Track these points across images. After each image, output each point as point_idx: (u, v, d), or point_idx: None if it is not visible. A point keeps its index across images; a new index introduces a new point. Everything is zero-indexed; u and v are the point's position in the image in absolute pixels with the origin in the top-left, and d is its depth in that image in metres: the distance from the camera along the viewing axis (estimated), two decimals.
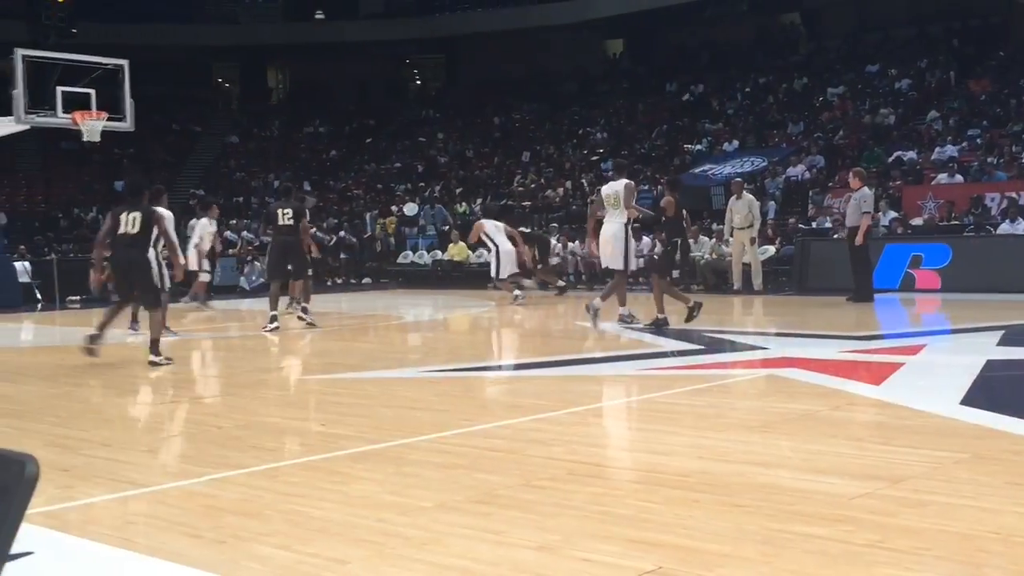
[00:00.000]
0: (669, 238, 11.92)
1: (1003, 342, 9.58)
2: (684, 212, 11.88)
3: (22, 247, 22.46)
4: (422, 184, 30.59)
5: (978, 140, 22.35)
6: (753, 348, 9.54)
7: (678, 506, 3.89)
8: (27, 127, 17.33)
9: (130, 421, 6.26)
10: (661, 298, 11.43)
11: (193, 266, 15.53)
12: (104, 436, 5.69)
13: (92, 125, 16.82)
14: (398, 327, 14.00)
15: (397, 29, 38.38)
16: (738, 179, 18.96)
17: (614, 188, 11.76)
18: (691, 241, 15.13)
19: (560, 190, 26.90)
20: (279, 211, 12.78)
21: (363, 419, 6.11)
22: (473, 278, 22.95)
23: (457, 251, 23.62)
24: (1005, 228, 17.11)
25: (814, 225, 20.37)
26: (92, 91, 16.91)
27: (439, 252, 24.49)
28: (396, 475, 4.52)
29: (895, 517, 3.70)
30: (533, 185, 27.90)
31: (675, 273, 13.69)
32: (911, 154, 22.47)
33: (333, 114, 38.51)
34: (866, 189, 15.29)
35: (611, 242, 11.66)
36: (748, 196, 17.73)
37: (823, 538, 3.43)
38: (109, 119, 17.08)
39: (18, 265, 18.38)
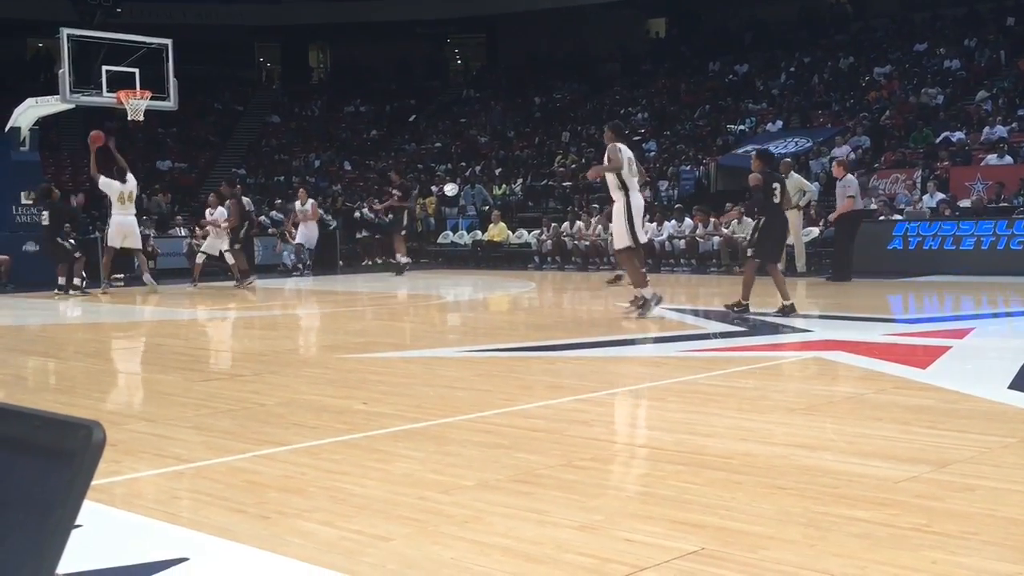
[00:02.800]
0: (757, 216, 10.84)
1: None
2: (775, 186, 10.47)
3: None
4: (462, 164, 30.59)
5: None
6: (797, 331, 9.46)
7: (721, 488, 3.86)
8: (72, 106, 17.52)
9: (174, 397, 6.32)
10: (782, 283, 10.40)
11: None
12: (148, 412, 5.76)
13: (136, 104, 16.97)
14: (438, 307, 14.03)
15: (438, 8, 38.32)
16: (787, 160, 18.79)
17: (630, 154, 10.64)
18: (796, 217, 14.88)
19: None
20: None
21: (404, 398, 6.13)
22: (513, 258, 22.96)
23: (497, 232, 23.64)
24: None
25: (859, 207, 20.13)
26: (136, 70, 17.06)
27: (479, 232, 24.52)
28: (437, 454, 4.53)
29: (942, 501, 3.65)
30: (574, 165, 27.81)
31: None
32: (959, 134, 22.12)
33: (374, 94, 38.57)
34: (851, 176, 16.28)
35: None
36: (796, 176, 17.59)
37: (868, 521, 3.39)
38: (153, 98, 17.23)
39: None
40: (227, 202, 17.54)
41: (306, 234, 19.90)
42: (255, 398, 6.20)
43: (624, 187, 10.27)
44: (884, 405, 5.61)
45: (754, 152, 12.58)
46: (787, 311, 10.20)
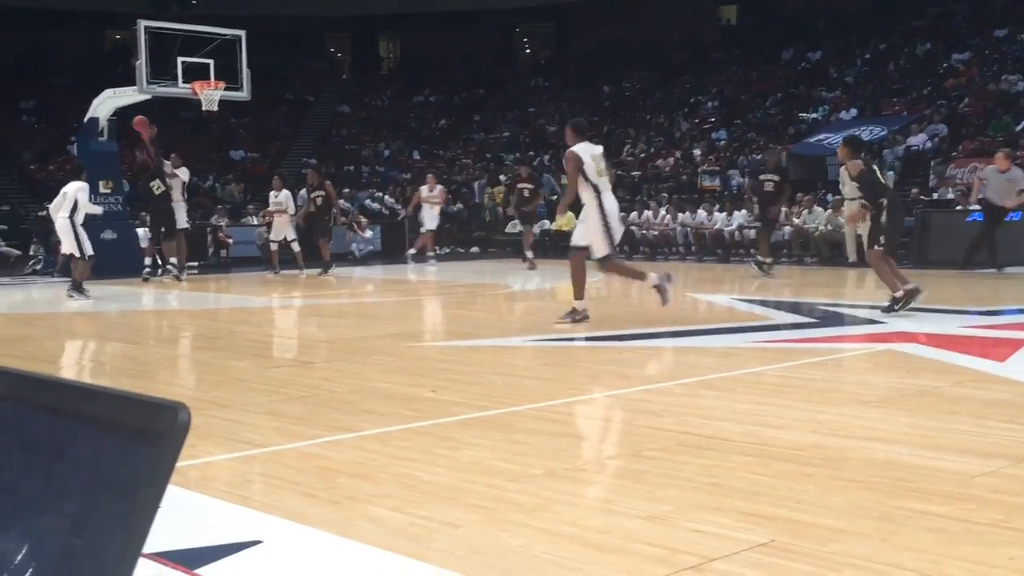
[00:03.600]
0: (874, 203, 9.67)
1: None
2: (875, 169, 9.87)
3: (144, 214, 23.16)
4: (531, 153, 30.58)
5: None
6: (869, 322, 9.31)
7: (791, 480, 3.83)
8: (149, 97, 17.86)
9: (246, 383, 6.43)
10: (888, 273, 9.48)
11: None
12: (223, 397, 5.86)
13: (210, 95, 17.22)
14: (506, 296, 14.05)
15: None
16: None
17: (597, 151, 9.54)
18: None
19: (670, 160, 26.61)
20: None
21: (472, 386, 6.17)
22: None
23: (565, 221, 23.53)
24: None
25: (935, 196, 19.75)
26: (211, 61, 17.31)
27: (547, 222, 24.48)
28: (506, 442, 4.55)
29: (1020, 496, 3.58)
30: (643, 155, 27.64)
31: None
32: None
33: (442, 83, 38.71)
34: (1017, 169, 15.43)
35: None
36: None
37: (943, 516, 3.34)
38: (226, 89, 17.47)
39: (139, 231, 18.96)
40: (308, 191, 17.89)
41: (433, 218, 19.90)
42: (326, 385, 6.28)
43: (595, 189, 9.17)
44: (960, 399, 5.50)
45: (841, 140, 11.67)
46: (908, 297, 9.36)
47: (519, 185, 19.52)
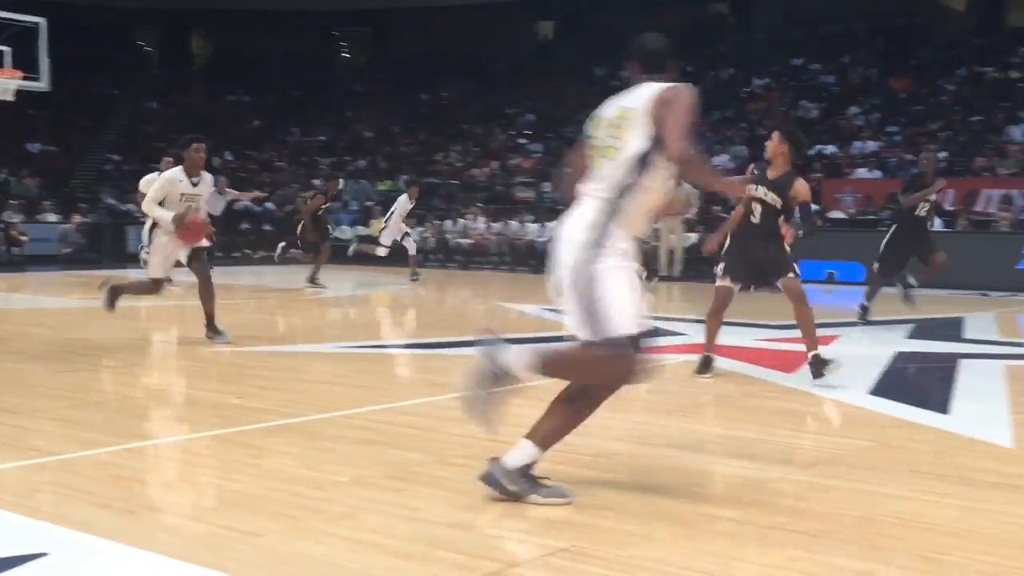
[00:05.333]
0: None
1: (912, 335, 9.93)
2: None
3: None
4: (347, 158, 30.31)
5: (897, 137, 22.85)
6: (670, 334, 9.66)
7: (592, 486, 3.93)
8: None
9: (37, 388, 6.11)
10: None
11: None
12: (10, 402, 5.55)
13: (5, 83, 16.38)
14: (318, 302, 13.85)
15: None
16: None
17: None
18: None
19: (486, 170, 26.90)
20: None
21: (279, 393, 6.06)
22: (395, 255, 22.84)
23: (379, 227, 23.50)
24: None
25: None
26: (7, 49, 16.46)
27: (361, 228, 24.34)
28: (312, 449, 4.50)
29: (803, 501, 3.79)
30: (459, 164, 27.83)
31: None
32: (832, 148, 22.90)
33: (257, 83, 37.87)
34: None
35: None
36: (685, 184, 18.06)
37: (733, 520, 3.50)
38: (24, 78, 16.63)
39: None
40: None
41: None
42: (125, 390, 6.05)
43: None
44: (751, 408, 5.78)
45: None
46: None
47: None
